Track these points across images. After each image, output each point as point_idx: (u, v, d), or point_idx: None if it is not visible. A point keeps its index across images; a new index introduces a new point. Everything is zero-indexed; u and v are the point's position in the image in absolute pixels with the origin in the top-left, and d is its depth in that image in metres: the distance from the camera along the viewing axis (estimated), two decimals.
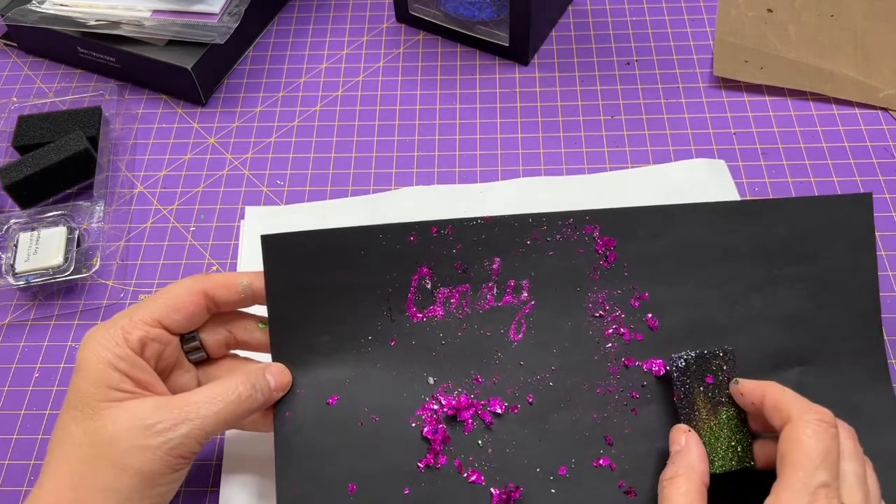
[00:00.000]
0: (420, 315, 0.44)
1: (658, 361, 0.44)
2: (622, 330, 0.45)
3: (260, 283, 0.43)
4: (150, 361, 0.41)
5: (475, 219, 0.45)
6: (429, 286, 0.44)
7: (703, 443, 0.41)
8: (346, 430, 0.42)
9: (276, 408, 0.43)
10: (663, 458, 0.42)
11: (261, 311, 0.44)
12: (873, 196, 0.46)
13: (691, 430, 0.41)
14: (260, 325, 0.45)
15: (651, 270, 0.46)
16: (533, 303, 0.45)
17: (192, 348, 0.44)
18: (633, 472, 0.42)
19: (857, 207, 0.45)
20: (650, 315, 0.45)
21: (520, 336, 0.45)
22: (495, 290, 0.45)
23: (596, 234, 0.46)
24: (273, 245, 0.44)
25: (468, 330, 0.44)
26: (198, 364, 0.44)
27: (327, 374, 0.43)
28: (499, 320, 0.45)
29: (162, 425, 0.37)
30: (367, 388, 0.43)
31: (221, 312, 0.44)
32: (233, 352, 0.46)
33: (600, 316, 0.45)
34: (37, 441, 0.50)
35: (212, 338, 0.44)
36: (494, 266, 0.45)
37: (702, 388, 0.42)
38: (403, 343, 0.44)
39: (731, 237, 0.46)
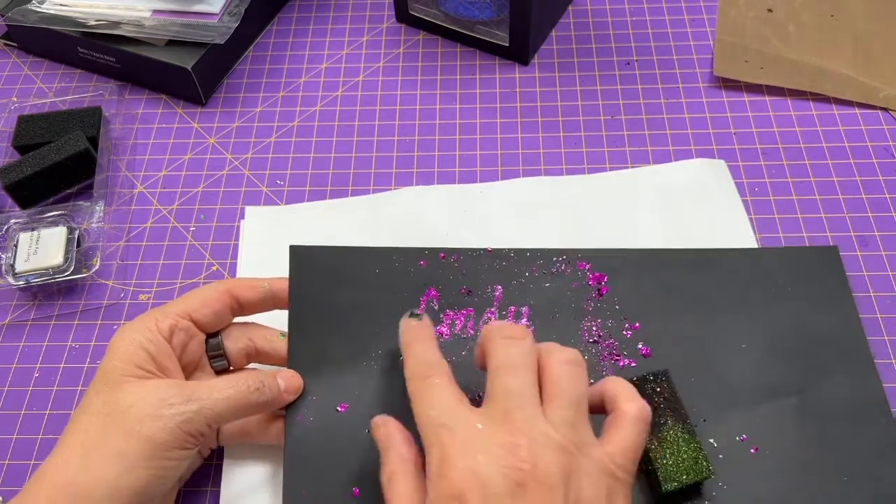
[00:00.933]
0: None
1: None
2: (616, 356, 0.48)
3: (279, 286, 0.46)
4: (175, 350, 0.43)
5: (479, 249, 0.50)
6: (436, 307, 0.48)
7: (656, 465, 0.42)
8: (354, 437, 0.44)
9: (288, 412, 0.45)
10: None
11: (281, 324, 0.47)
12: (839, 251, 0.51)
13: (387, 418, 0.40)
14: (280, 335, 0.47)
15: (640, 305, 0.49)
16: (532, 328, 0.48)
17: (216, 354, 0.46)
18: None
19: (828, 260, 0.51)
20: (641, 344, 0.48)
21: None
22: (497, 314, 0.49)
23: (588, 269, 0.50)
24: (300, 256, 0.48)
25: (471, 349, 0.46)
26: (219, 372, 0.46)
27: (339, 383, 0.45)
28: None
29: (175, 399, 0.40)
30: (375, 398, 0.45)
31: (245, 323, 0.47)
32: (252, 365, 0.48)
33: (595, 342, 0.48)
34: (37, 441, 0.50)
35: (234, 345, 0.46)
36: (496, 293, 0.49)
37: None
38: None
39: (714, 279, 0.50)
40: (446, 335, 0.48)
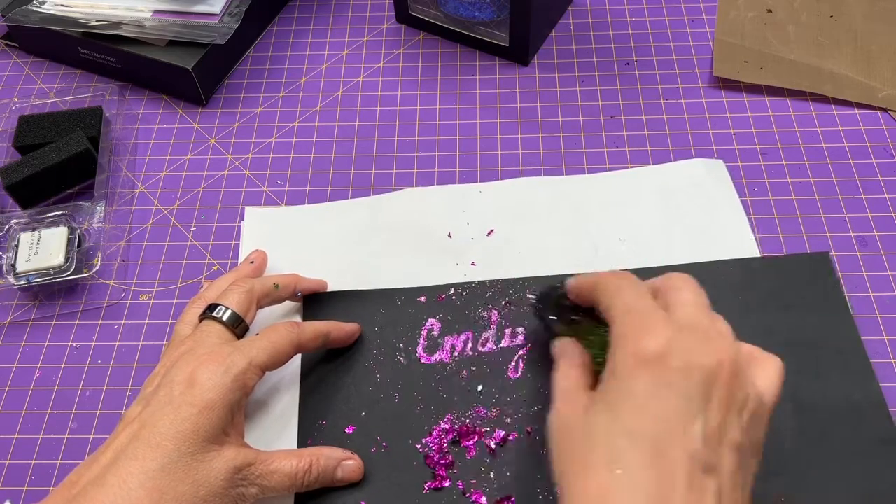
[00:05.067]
0: (429, 358, 0.50)
1: None
2: None
3: (338, 334, 0.49)
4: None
5: (475, 282, 0.53)
6: (436, 334, 0.51)
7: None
8: (360, 456, 0.46)
9: (299, 436, 0.48)
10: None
11: None
12: (830, 257, 0.50)
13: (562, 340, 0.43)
14: (274, 285, 0.50)
15: None
16: (528, 346, 0.50)
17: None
18: None
19: (820, 266, 0.52)
20: None
21: (517, 374, 0.49)
22: (494, 336, 0.51)
23: None
24: (312, 302, 0.53)
25: (471, 369, 0.50)
26: None
27: (346, 408, 0.49)
28: (498, 361, 0.50)
29: (242, 480, 0.41)
30: (380, 420, 0.48)
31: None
32: None
33: None
34: (37, 441, 0.50)
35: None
36: (493, 317, 0.52)
37: (556, 317, 0.45)
38: (414, 381, 0.49)
39: (708, 290, 0.50)
40: (447, 359, 0.50)
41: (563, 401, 0.38)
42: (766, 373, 0.38)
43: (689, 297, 0.38)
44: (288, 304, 0.53)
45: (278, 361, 0.45)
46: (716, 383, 0.34)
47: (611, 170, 0.60)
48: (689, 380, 0.34)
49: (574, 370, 0.40)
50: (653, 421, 0.33)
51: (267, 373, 0.44)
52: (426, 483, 0.45)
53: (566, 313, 0.44)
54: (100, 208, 0.58)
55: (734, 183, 0.58)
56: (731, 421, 0.34)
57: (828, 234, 0.55)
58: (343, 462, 0.45)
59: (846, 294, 0.52)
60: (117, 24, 0.64)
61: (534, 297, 0.47)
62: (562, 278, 0.45)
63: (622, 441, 0.33)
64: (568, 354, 0.41)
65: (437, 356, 0.50)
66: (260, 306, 0.48)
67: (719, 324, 0.38)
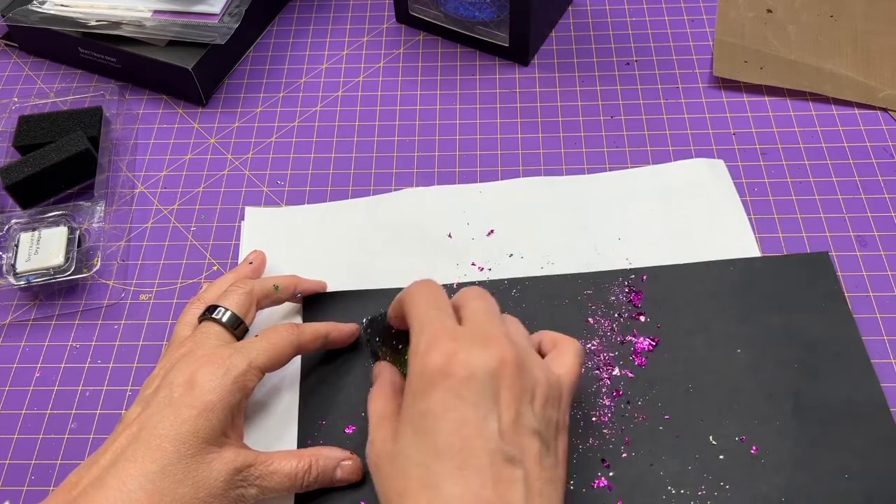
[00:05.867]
0: None
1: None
2: (614, 368, 0.49)
3: (337, 335, 0.49)
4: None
5: (475, 282, 0.53)
6: None
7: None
8: (360, 456, 0.46)
9: (299, 436, 0.47)
10: (660, 478, 0.44)
11: None
12: (830, 257, 0.52)
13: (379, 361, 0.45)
14: (274, 286, 0.50)
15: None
16: None
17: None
18: (631, 493, 0.44)
19: (819, 265, 0.52)
20: (637, 356, 0.50)
21: None
22: None
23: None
24: (314, 303, 0.52)
25: None
26: None
27: (346, 408, 0.48)
28: None
29: (242, 481, 0.41)
30: None
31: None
32: None
33: (592, 353, 0.50)
34: (37, 441, 0.50)
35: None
36: None
37: (379, 340, 0.46)
38: None
39: (707, 290, 0.52)
40: None
41: (375, 430, 0.40)
42: (563, 356, 0.41)
43: (477, 305, 0.40)
44: (288, 305, 0.53)
45: (278, 363, 0.45)
46: (501, 381, 0.36)
47: (611, 170, 0.60)
48: (475, 385, 0.36)
49: (384, 396, 0.42)
50: (452, 434, 0.35)
51: (266, 374, 0.44)
52: None
53: (390, 338, 0.45)
54: (100, 208, 0.58)
55: (734, 183, 0.58)
56: (524, 411, 0.37)
57: (828, 234, 0.55)
58: (342, 462, 0.45)
59: (846, 294, 0.52)
60: (117, 24, 0.64)
61: (364, 321, 0.48)
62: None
63: (430, 461, 0.35)
64: (380, 378, 0.43)
65: None
66: (260, 307, 0.48)
67: (504, 326, 0.39)
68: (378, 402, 0.41)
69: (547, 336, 0.43)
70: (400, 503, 0.35)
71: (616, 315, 0.51)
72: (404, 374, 0.43)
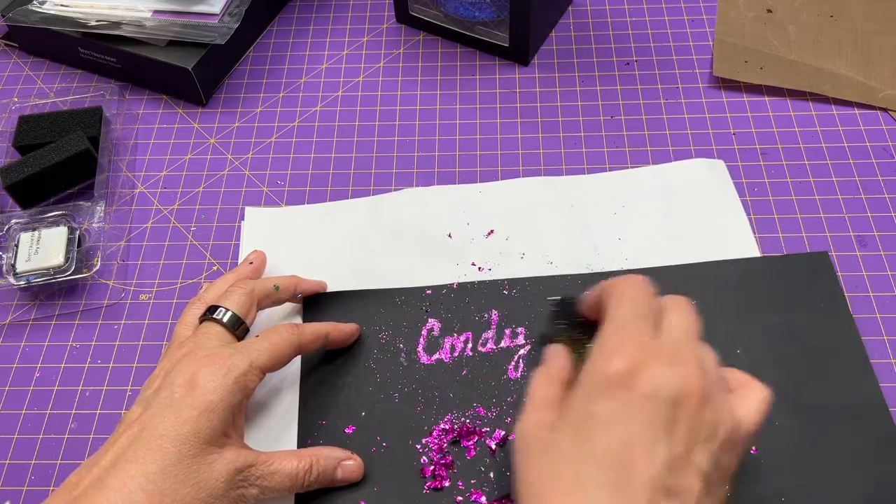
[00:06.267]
0: (429, 359, 0.50)
1: None
2: None
3: (337, 335, 0.49)
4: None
5: (475, 282, 0.53)
6: (436, 334, 0.51)
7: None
8: (360, 456, 0.46)
9: (299, 436, 0.48)
10: None
11: None
12: (829, 256, 0.52)
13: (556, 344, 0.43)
14: (275, 286, 0.50)
15: None
16: (529, 346, 0.51)
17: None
18: None
19: (819, 265, 0.52)
20: None
21: (517, 374, 0.50)
22: (494, 336, 0.51)
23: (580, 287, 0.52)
24: (314, 303, 0.53)
25: (471, 369, 0.50)
26: None
27: (346, 408, 0.49)
28: (498, 361, 0.50)
29: (243, 482, 0.41)
30: (380, 420, 0.48)
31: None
32: None
33: None
34: (37, 441, 0.50)
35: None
36: (493, 317, 0.52)
37: (565, 324, 0.44)
38: (413, 381, 0.49)
39: (707, 290, 0.51)
40: (447, 358, 0.50)
41: (532, 411, 0.38)
42: (749, 401, 0.38)
43: (680, 320, 0.38)
44: (288, 306, 0.53)
45: (279, 363, 0.45)
46: (682, 410, 0.34)
47: (611, 170, 0.60)
48: (654, 405, 0.34)
49: (553, 379, 0.40)
50: (616, 445, 0.33)
51: (267, 374, 0.44)
52: (426, 483, 0.45)
53: (575, 326, 0.44)
54: (100, 208, 0.58)
55: (734, 183, 0.58)
56: (697, 448, 0.34)
57: (828, 234, 0.55)
58: (343, 462, 0.45)
59: (846, 294, 0.52)
60: (117, 24, 0.64)
61: (553, 301, 0.46)
62: (581, 287, 0.44)
63: (585, 464, 0.34)
64: (553, 361, 0.41)
65: (437, 356, 0.50)
66: (260, 308, 0.48)
67: (700, 351, 0.37)
68: (542, 385, 0.39)
69: (736, 375, 0.39)
70: (541, 493, 0.34)
71: None
72: (577, 367, 0.41)
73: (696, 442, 0.34)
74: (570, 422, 0.36)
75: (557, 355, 0.41)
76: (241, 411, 0.43)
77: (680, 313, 0.38)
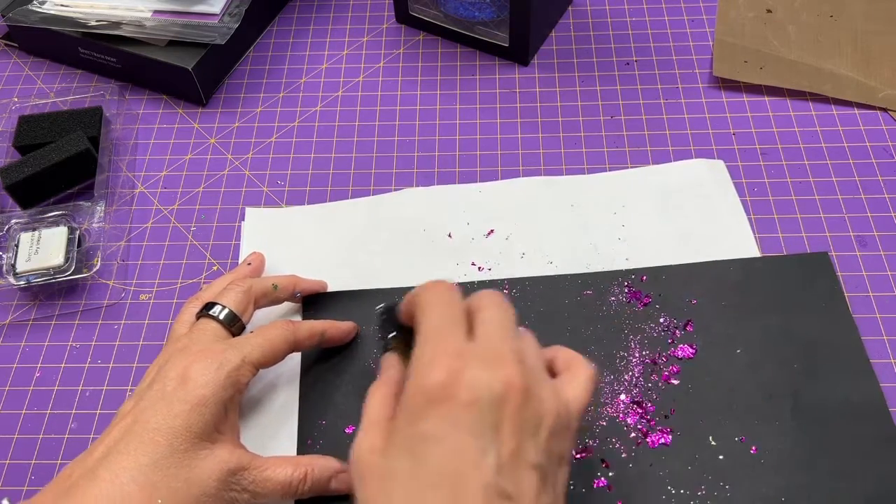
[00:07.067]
0: None
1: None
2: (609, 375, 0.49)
3: (334, 332, 0.49)
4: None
5: (475, 282, 0.53)
6: None
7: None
8: None
9: (298, 436, 0.47)
10: (660, 478, 0.44)
11: None
12: (829, 257, 0.52)
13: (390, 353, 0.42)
14: (273, 285, 0.50)
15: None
16: None
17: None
18: (630, 493, 0.44)
19: (819, 265, 0.52)
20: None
21: None
22: None
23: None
24: (314, 302, 0.53)
25: None
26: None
27: (345, 407, 0.48)
28: None
29: (235, 485, 0.41)
30: None
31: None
32: None
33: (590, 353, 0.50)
34: (37, 441, 0.50)
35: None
36: None
37: (392, 331, 0.43)
38: None
39: (707, 290, 0.52)
40: None
41: (364, 434, 0.37)
42: (576, 380, 0.38)
43: (492, 316, 0.37)
44: (287, 305, 0.53)
45: (273, 359, 0.44)
46: (505, 410, 0.34)
47: (611, 170, 0.60)
48: (477, 414, 0.33)
49: (383, 396, 0.39)
50: (447, 463, 0.33)
51: (265, 372, 0.44)
52: None
53: (403, 331, 0.42)
54: (100, 208, 0.58)
55: (734, 183, 0.58)
56: (526, 444, 0.34)
57: (828, 234, 0.55)
58: (338, 474, 0.44)
59: (846, 294, 0.52)
60: (117, 24, 0.64)
61: (380, 309, 0.45)
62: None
63: (419, 487, 0.33)
64: (387, 372, 0.41)
65: None
66: (258, 306, 0.48)
67: (516, 344, 0.37)
68: (375, 402, 0.39)
69: (561, 354, 0.40)
70: None
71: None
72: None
73: (524, 438, 0.34)
74: (400, 445, 0.35)
75: (391, 366, 0.41)
76: (234, 407, 0.43)
77: (491, 309, 0.38)
